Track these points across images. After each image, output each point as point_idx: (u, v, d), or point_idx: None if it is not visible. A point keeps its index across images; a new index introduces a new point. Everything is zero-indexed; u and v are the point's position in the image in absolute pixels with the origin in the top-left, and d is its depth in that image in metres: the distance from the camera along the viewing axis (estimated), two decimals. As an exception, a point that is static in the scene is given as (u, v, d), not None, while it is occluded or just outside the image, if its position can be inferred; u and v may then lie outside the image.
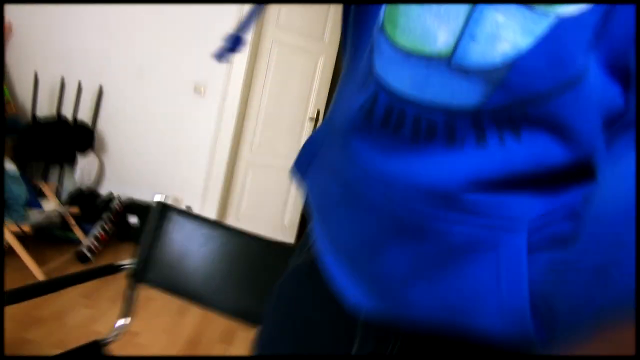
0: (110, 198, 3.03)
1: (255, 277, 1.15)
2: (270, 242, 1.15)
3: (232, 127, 3.18)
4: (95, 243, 2.67)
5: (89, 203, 2.97)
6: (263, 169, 3.51)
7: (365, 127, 0.42)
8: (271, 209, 3.56)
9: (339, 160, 0.46)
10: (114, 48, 3.06)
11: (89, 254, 2.60)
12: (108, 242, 2.85)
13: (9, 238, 2.26)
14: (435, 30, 0.35)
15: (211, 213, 3.24)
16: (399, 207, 0.40)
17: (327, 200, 0.49)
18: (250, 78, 3.27)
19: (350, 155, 0.44)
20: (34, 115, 3.02)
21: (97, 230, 2.75)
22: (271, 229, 3.57)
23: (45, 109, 3.11)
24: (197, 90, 3.10)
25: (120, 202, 3.03)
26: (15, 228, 2.28)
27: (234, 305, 1.15)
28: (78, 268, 2.55)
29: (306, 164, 0.55)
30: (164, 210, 1.24)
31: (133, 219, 3.04)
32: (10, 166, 2.65)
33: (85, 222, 2.85)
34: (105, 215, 2.86)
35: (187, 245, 1.22)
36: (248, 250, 1.17)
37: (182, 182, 3.21)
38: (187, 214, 1.24)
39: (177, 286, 1.19)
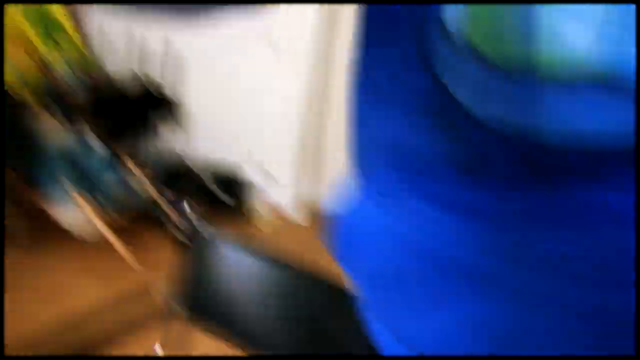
0: (196, 170, 2.87)
1: (317, 322, 1.02)
2: (334, 285, 0.98)
3: (322, 84, 2.85)
4: (189, 226, 2.52)
5: (177, 177, 2.82)
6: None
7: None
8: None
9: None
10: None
11: (185, 240, 2.46)
12: (203, 219, 2.70)
13: (102, 228, 2.14)
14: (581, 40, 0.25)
15: (303, 178, 2.99)
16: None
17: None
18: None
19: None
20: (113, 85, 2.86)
21: (188, 208, 2.60)
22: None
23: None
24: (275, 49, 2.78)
25: (208, 173, 2.86)
26: (107, 218, 2.15)
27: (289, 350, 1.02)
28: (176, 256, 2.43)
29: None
30: (211, 241, 1.09)
31: (223, 195, 2.87)
32: (99, 145, 2.53)
33: (178, 197, 2.71)
34: (196, 194, 2.70)
35: (238, 283, 1.07)
36: (308, 293, 1.02)
37: (269, 145, 2.96)
38: (239, 246, 1.05)
39: (223, 326, 1.06)
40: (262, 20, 2.73)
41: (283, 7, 2.62)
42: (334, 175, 3.22)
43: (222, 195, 2.85)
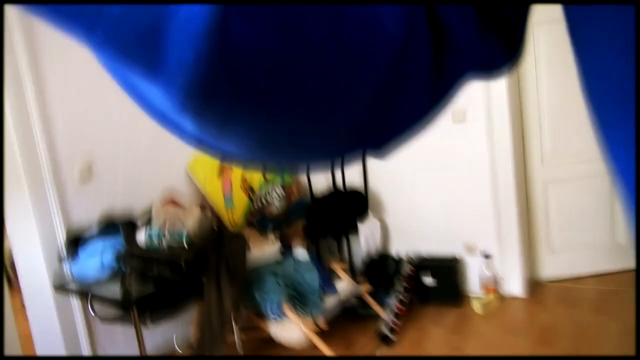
0: (399, 261, 2.80)
1: None
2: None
3: (509, 144, 2.59)
4: (395, 319, 2.43)
5: (380, 269, 2.80)
6: (565, 183, 2.77)
7: None
8: (592, 227, 2.77)
9: None
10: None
11: (390, 334, 2.37)
12: (407, 312, 2.58)
13: (309, 334, 2.19)
14: None
15: (514, 252, 2.67)
16: None
17: None
18: (516, 81, 2.65)
19: None
20: (311, 194, 3.07)
21: (393, 303, 2.52)
22: (600, 252, 2.77)
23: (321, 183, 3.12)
24: (456, 117, 2.64)
25: (411, 262, 2.76)
26: (311, 325, 2.20)
27: None
28: (382, 350, 2.34)
29: None
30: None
31: (428, 279, 2.72)
32: (301, 252, 2.69)
33: (380, 290, 2.67)
34: (398, 284, 2.62)
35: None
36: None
37: (470, 224, 2.75)
38: None
39: None
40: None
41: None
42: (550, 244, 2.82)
43: (429, 280, 2.71)
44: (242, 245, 2.25)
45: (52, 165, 2.18)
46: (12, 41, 2.07)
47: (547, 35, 2.57)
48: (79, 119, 2.31)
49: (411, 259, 2.83)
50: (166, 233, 2.03)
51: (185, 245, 1.99)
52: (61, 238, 2.17)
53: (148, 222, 2.12)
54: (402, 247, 2.97)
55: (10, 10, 1.94)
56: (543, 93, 2.70)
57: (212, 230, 2.19)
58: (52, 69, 2.21)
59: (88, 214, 2.25)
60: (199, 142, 0.28)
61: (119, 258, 1.91)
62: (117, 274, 1.89)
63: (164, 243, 2.00)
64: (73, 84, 2.29)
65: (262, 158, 0.31)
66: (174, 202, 2.30)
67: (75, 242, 2.11)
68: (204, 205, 2.44)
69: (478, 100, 2.57)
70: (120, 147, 2.43)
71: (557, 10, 0.29)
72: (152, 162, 2.57)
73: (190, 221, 2.12)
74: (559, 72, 2.64)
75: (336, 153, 0.31)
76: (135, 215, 2.20)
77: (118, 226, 2.14)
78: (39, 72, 2.15)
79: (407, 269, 2.71)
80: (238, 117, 0.25)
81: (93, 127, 2.36)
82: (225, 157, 0.30)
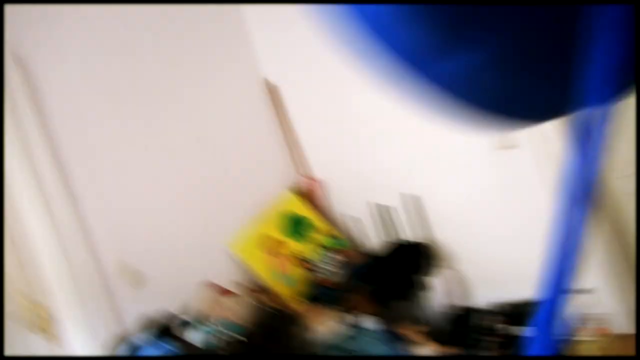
0: (483, 314, 2.46)
1: None
2: None
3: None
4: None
5: (464, 325, 2.46)
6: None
7: None
8: None
9: None
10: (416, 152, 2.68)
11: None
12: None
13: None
14: None
15: (620, 285, 2.28)
16: None
17: None
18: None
19: None
20: (368, 254, 2.82)
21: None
22: None
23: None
24: (503, 147, 2.37)
25: (500, 311, 2.42)
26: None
27: None
28: None
29: None
30: None
31: (523, 331, 2.36)
32: (369, 323, 2.42)
33: (467, 349, 2.33)
34: (488, 341, 2.28)
35: None
36: None
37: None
38: None
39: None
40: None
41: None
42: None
43: (515, 330, 2.35)
44: (295, 326, 2.03)
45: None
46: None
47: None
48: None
49: (498, 308, 2.49)
50: (219, 327, 1.85)
51: (240, 338, 1.79)
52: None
53: (199, 318, 1.96)
54: (485, 296, 2.63)
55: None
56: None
57: (266, 313, 1.98)
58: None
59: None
60: (443, 85, 0.30)
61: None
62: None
63: (220, 338, 1.81)
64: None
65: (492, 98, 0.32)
66: (221, 290, 2.12)
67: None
68: (255, 288, 2.25)
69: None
70: (162, 240, 2.31)
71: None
72: (193, 248, 2.43)
73: (238, 309, 1.93)
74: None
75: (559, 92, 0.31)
76: (186, 312, 2.04)
77: (169, 328, 1.98)
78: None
79: (496, 321, 2.37)
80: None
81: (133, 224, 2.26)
82: (460, 108, 0.31)
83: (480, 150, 2.43)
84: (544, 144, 2.31)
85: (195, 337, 1.81)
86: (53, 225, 1.93)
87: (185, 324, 1.93)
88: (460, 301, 2.62)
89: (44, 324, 1.94)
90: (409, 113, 2.60)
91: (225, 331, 1.81)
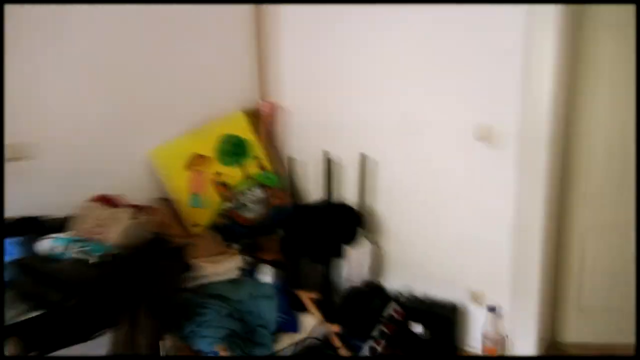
0: (388, 299, 2.30)
1: None
2: None
3: (542, 175, 2.01)
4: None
5: (364, 305, 2.31)
6: (608, 231, 2.19)
7: None
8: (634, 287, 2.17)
9: None
10: (373, 105, 2.39)
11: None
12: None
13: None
14: None
15: (530, 307, 2.12)
16: None
17: None
18: (565, 95, 2.06)
19: None
20: (296, 200, 2.61)
21: (366, 350, 2.05)
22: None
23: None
24: (482, 134, 2.09)
25: (400, 302, 2.27)
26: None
27: None
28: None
29: None
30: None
31: (418, 327, 2.22)
32: (267, 272, 2.24)
33: (357, 331, 2.19)
34: (377, 327, 2.14)
35: None
36: None
37: (481, 268, 2.21)
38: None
39: None
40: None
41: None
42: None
43: (419, 328, 2.21)
44: (179, 262, 1.83)
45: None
46: None
47: (612, 40, 1.99)
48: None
49: (400, 295, 2.34)
50: (79, 242, 1.64)
51: (95, 260, 1.58)
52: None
53: (67, 226, 1.74)
54: (396, 282, 2.47)
55: None
56: (599, 112, 2.10)
57: (147, 241, 1.77)
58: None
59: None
60: None
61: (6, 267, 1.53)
62: None
63: (72, 255, 1.60)
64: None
65: None
66: (108, 201, 1.89)
67: None
68: (148, 206, 2.02)
69: (510, 116, 2.01)
70: (69, 129, 2.04)
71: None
72: (105, 148, 2.16)
73: (115, 228, 1.71)
74: (622, 89, 2.04)
75: None
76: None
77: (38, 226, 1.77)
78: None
79: (391, 310, 2.22)
80: None
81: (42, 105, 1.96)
82: None
83: (456, 137, 2.14)
84: (514, 142, 2.03)
85: (44, 244, 1.60)
86: None
87: (50, 228, 1.71)
88: (371, 279, 2.45)
89: None
90: (395, 81, 2.30)
91: (82, 247, 1.61)
